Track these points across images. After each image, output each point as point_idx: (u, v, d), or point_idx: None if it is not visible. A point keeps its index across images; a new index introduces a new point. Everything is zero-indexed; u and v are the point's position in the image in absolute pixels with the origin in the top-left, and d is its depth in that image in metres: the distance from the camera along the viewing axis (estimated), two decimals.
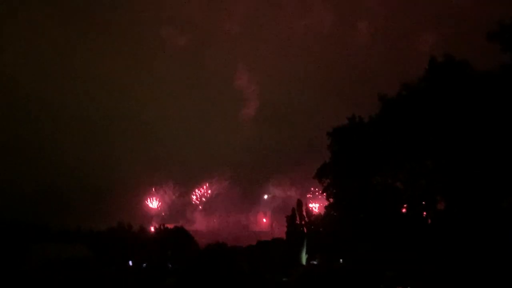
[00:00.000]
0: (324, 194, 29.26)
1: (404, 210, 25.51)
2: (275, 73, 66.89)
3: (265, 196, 61.34)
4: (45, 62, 61.88)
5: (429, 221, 24.72)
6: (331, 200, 27.71)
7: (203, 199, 63.43)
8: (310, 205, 40.85)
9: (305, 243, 37.55)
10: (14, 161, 55.09)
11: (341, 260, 31.40)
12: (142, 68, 67.19)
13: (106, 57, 62.75)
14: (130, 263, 36.23)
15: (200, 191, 63.69)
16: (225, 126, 68.74)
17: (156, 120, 67.54)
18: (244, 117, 68.59)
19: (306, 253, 37.37)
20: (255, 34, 71.93)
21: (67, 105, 62.70)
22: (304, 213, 39.82)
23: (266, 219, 58.84)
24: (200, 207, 63.21)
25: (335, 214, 27.85)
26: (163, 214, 62.21)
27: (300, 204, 40.23)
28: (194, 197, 63.56)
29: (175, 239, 41.53)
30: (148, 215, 60.29)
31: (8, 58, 59.67)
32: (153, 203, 63.02)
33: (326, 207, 30.75)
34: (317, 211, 42.28)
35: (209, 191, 63.50)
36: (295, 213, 39.25)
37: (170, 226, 46.92)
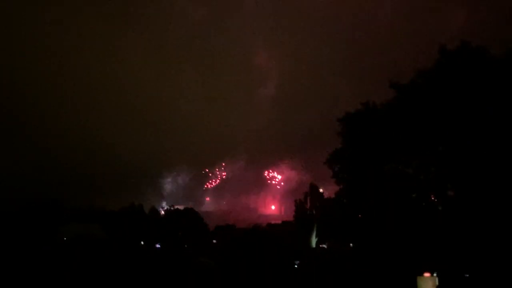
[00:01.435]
0: (335, 179, 29.09)
1: (414, 197, 25.36)
2: (295, 51, 64.05)
3: (276, 179, 60.74)
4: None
5: (440, 208, 24.14)
6: (342, 185, 27.56)
7: (215, 181, 63.17)
8: (321, 190, 40.35)
9: (315, 227, 37.45)
10: (34, 143, 54.86)
11: (351, 244, 31.24)
12: (155, 45, 64.98)
13: (120, 35, 61.00)
14: (142, 243, 36.33)
15: (212, 174, 63.32)
16: (241, 106, 66.32)
17: (170, 100, 65.66)
18: (261, 97, 66.12)
19: (316, 236, 37.28)
20: (275, 9, 67.96)
21: (83, 84, 61.65)
22: (315, 198, 39.62)
23: (275, 203, 58.74)
24: (211, 189, 63.12)
25: (345, 199, 27.72)
26: (174, 195, 62.15)
27: (313, 188, 39.97)
28: (206, 179, 63.30)
29: (185, 220, 41.70)
30: (160, 197, 60.34)
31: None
32: (166, 185, 62.90)
33: (336, 192, 30.43)
34: (328, 195, 41.93)
35: (222, 174, 63.12)
36: (306, 197, 39.05)
37: (180, 207, 47.01)
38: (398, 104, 22.94)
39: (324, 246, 35.43)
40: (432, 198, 24.88)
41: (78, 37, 63.40)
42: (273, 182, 60.91)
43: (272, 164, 61.36)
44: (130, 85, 62.89)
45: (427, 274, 12.10)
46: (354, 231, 26.89)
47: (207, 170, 64.12)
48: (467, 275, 17.34)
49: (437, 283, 11.97)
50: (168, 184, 63.48)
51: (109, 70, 61.92)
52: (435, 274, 11.88)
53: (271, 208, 57.97)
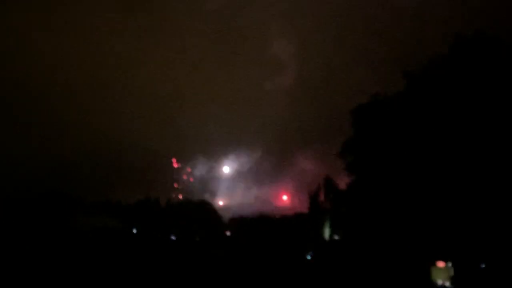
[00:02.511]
0: (347, 171, 28.77)
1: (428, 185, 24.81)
2: (313, 40, 61.37)
3: (290, 171, 59.96)
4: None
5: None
6: (354, 177, 27.41)
7: (229, 173, 62.87)
8: (335, 181, 39.76)
9: (328, 219, 37.10)
10: (45, 132, 55.04)
11: (364, 236, 30.82)
12: (169, 34, 63.41)
13: (131, 24, 60.06)
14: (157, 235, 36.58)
15: (227, 166, 63.00)
16: (257, 96, 64.37)
17: (186, 91, 64.39)
18: (278, 87, 64.18)
19: (329, 227, 37.00)
20: None
21: (97, 75, 61.22)
22: (329, 189, 39.10)
23: (287, 194, 58.16)
24: (226, 181, 62.93)
25: (357, 191, 27.42)
26: (190, 187, 62.09)
27: (327, 180, 39.43)
28: (219, 171, 63.03)
29: (200, 212, 41.77)
30: (176, 189, 60.34)
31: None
32: (182, 177, 62.85)
33: (348, 184, 30.13)
34: (342, 187, 41.48)
35: (236, 166, 62.74)
36: (319, 189, 38.57)
37: (195, 199, 47.12)
38: (410, 93, 22.58)
39: (337, 237, 35.11)
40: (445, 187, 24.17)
41: (89, 28, 62.96)
42: (287, 173, 60.44)
43: (288, 155, 60.56)
44: (145, 76, 62.43)
45: (441, 264, 11.75)
46: (366, 223, 26.59)
47: (222, 164, 63.84)
48: (483, 266, 16.91)
49: (452, 274, 11.61)
50: (185, 176, 63.62)
51: (124, 60, 61.61)
52: (450, 264, 11.53)
53: (283, 200, 57.40)
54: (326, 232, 36.30)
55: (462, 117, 20.40)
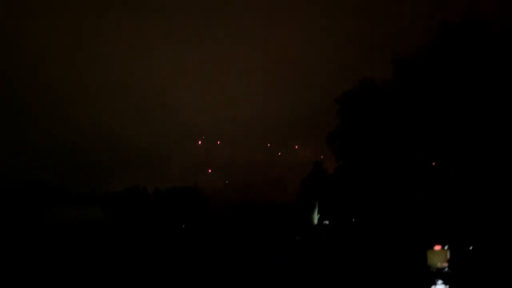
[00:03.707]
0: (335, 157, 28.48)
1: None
2: (298, 29, 60.41)
3: (282, 158, 59.36)
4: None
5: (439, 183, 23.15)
6: (340, 162, 27.51)
7: (219, 160, 62.01)
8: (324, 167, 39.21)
9: (317, 204, 36.66)
10: (31, 121, 53.44)
11: (353, 219, 30.46)
12: (159, 28, 62.01)
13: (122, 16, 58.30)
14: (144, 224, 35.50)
15: (217, 153, 62.15)
16: (251, 86, 63.67)
17: (176, 79, 63.36)
18: (271, 77, 63.25)
19: (318, 213, 36.53)
20: None
21: (84, 62, 59.69)
22: (318, 175, 38.57)
23: (279, 181, 57.67)
24: (215, 168, 62.09)
25: (344, 176, 27.42)
26: (180, 175, 61.02)
27: (316, 166, 38.90)
28: (211, 159, 62.15)
29: (188, 200, 40.87)
30: (165, 176, 59.25)
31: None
32: (172, 165, 61.79)
33: (335, 169, 29.75)
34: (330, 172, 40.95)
35: (225, 153, 61.89)
36: (310, 176, 38.02)
37: (183, 187, 46.11)
38: (398, 80, 22.29)
39: (326, 222, 34.69)
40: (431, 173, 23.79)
41: (83, 20, 61.11)
42: (280, 160, 59.76)
43: (283, 141, 59.82)
44: (134, 66, 61.23)
45: (437, 247, 10.97)
46: (355, 207, 26.19)
47: (214, 149, 62.82)
48: (471, 247, 16.45)
49: (448, 257, 10.83)
50: (174, 164, 62.56)
51: (112, 51, 60.17)
52: (446, 247, 10.82)
53: (276, 187, 56.88)
54: (315, 218, 35.89)
55: (449, 103, 20.08)
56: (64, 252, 20.59)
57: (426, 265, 11.09)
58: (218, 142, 62.37)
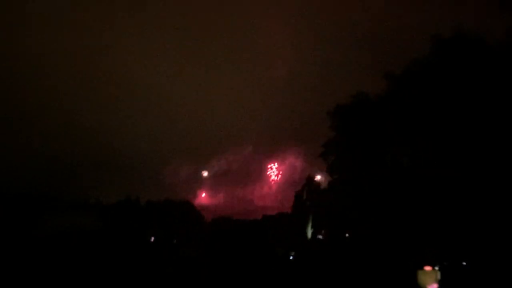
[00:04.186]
0: (329, 172, 28.35)
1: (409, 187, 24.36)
2: (308, 32, 57.77)
3: (276, 170, 58.40)
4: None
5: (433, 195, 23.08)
6: (335, 176, 27.34)
7: (214, 173, 61.08)
8: (317, 178, 39.10)
9: (310, 218, 36.44)
10: (24, 129, 52.34)
11: (346, 234, 30.28)
12: (152, 28, 60.02)
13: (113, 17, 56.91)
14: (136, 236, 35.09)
15: (212, 165, 61.06)
16: (247, 91, 60.77)
17: (169, 87, 60.59)
18: (270, 80, 60.75)
19: (312, 227, 36.30)
20: None
21: (76, 68, 58.25)
22: (312, 189, 38.42)
23: (272, 194, 57.19)
24: (209, 181, 61.38)
25: (339, 189, 27.32)
26: (173, 188, 60.20)
27: (310, 180, 38.79)
28: (204, 171, 61.18)
29: (181, 213, 40.39)
30: (158, 189, 58.43)
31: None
32: (165, 177, 60.76)
33: (330, 183, 29.65)
34: (324, 186, 40.86)
35: (221, 165, 60.88)
36: (303, 189, 37.83)
37: (176, 200, 45.67)
38: (391, 94, 22.42)
39: (320, 237, 34.44)
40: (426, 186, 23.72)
41: (72, 23, 59.93)
42: (273, 173, 59.05)
43: (276, 153, 58.73)
44: (126, 73, 59.61)
45: (428, 268, 10.87)
46: (348, 222, 25.97)
47: (207, 161, 61.60)
48: (464, 263, 16.29)
49: (439, 277, 10.74)
50: (168, 177, 61.54)
51: (103, 58, 58.93)
52: (436, 268, 10.75)
53: (268, 200, 56.37)
54: (309, 232, 35.60)
55: (442, 117, 20.11)
56: (57, 260, 20.27)
57: (416, 285, 11.05)
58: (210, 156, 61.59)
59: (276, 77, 58.81)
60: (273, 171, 57.80)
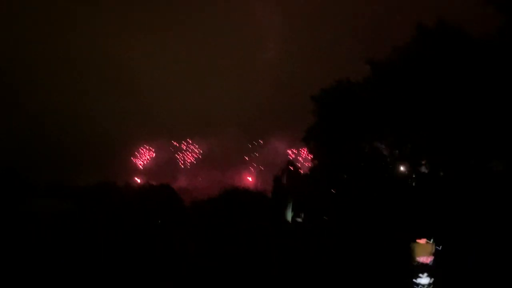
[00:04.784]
0: (311, 156, 28.55)
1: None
2: (299, 12, 56.24)
3: (255, 155, 57.97)
4: None
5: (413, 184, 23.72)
6: (316, 162, 27.70)
7: (194, 156, 59.95)
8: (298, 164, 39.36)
9: (291, 202, 36.64)
10: None
11: (325, 217, 30.67)
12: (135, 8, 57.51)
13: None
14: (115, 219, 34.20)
15: (191, 148, 59.89)
16: (234, 73, 59.06)
17: (150, 67, 58.28)
18: (258, 62, 59.27)
19: (292, 211, 36.59)
20: None
21: (60, 53, 55.69)
22: (292, 173, 38.61)
23: (251, 178, 57.11)
24: (190, 164, 60.33)
25: (319, 175, 27.64)
26: (152, 172, 58.76)
27: (290, 165, 38.99)
28: (186, 154, 59.91)
29: (161, 195, 39.69)
30: (135, 172, 57.12)
31: None
32: (142, 160, 59.25)
33: (310, 168, 29.88)
34: (304, 171, 41.19)
35: (201, 149, 59.70)
36: (283, 173, 37.95)
37: (155, 183, 44.77)
38: (373, 81, 22.72)
39: (300, 220, 34.75)
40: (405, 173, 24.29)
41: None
42: (254, 156, 58.59)
43: (261, 137, 57.89)
44: (106, 51, 56.98)
45: (422, 241, 11.09)
46: (328, 205, 26.26)
47: (186, 145, 60.13)
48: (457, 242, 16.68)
49: (433, 250, 10.98)
50: (148, 160, 59.99)
51: (86, 39, 56.39)
52: (431, 241, 10.93)
53: (247, 181, 56.18)
54: (289, 215, 35.85)
55: (425, 103, 20.42)
56: (34, 243, 19.49)
57: (410, 258, 11.26)
58: (189, 140, 60.33)
59: (264, 60, 58.28)
60: (255, 155, 57.62)
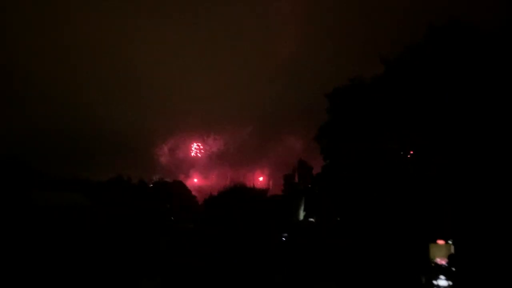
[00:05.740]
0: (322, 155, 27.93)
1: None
2: (317, 6, 54.51)
3: (270, 152, 57.39)
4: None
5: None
6: (328, 161, 27.03)
7: (208, 153, 59.62)
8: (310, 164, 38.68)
9: (302, 201, 36.16)
10: (16, 102, 50.15)
11: (338, 218, 29.99)
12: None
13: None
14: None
15: (207, 146, 59.53)
16: (250, 71, 57.82)
17: (169, 63, 57.87)
18: (275, 57, 58.22)
19: (304, 210, 36.12)
20: None
21: (74, 47, 55.80)
22: (304, 172, 38.13)
23: (263, 177, 56.64)
24: (203, 161, 60.11)
25: (331, 174, 27.19)
26: (169, 168, 58.79)
27: (301, 164, 38.47)
28: (195, 150, 59.75)
29: (174, 192, 39.80)
30: (153, 169, 56.98)
31: None
32: (161, 157, 59.23)
33: (322, 167, 29.27)
34: (318, 171, 40.64)
35: (216, 146, 59.36)
36: (294, 172, 37.48)
37: (169, 180, 44.79)
38: (387, 79, 22.29)
39: (312, 220, 34.18)
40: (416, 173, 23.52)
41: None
42: (267, 154, 57.97)
43: (277, 135, 57.21)
44: (124, 48, 56.94)
45: (441, 241, 10.49)
46: (341, 205, 25.67)
47: (203, 142, 59.81)
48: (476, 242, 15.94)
49: (452, 251, 10.37)
50: (164, 157, 60.06)
51: (102, 36, 56.41)
52: (450, 242, 10.34)
53: (259, 181, 55.70)
54: (301, 215, 35.35)
55: (437, 102, 20.06)
56: (46, 236, 19.43)
57: (427, 259, 10.68)
58: (205, 138, 60.14)
59: (281, 54, 56.95)
60: (266, 153, 57.06)
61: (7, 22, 51.86)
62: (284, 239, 30.95)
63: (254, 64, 58.32)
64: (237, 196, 33.41)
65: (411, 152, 23.55)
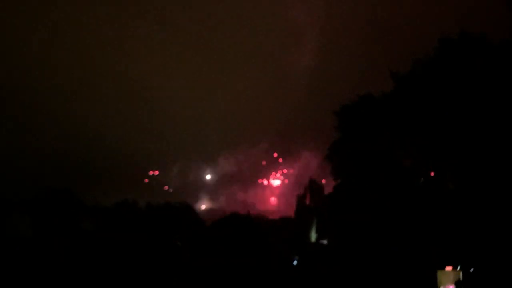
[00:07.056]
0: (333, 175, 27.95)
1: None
2: (335, 19, 53.47)
3: (280, 174, 56.99)
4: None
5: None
6: (339, 180, 26.90)
7: (221, 173, 59.55)
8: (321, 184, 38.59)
9: (314, 222, 35.95)
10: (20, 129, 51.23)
11: (350, 239, 29.70)
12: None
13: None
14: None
15: (220, 165, 59.51)
16: (265, 83, 56.77)
17: (178, 78, 56.92)
18: (292, 70, 57.43)
19: (316, 232, 35.86)
20: None
21: (79, 71, 56.81)
22: (316, 192, 38.02)
23: (274, 198, 56.35)
24: (214, 183, 60.07)
25: (343, 193, 26.77)
26: (179, 190, 58.76)
27: (312, 183, 38.41)
28: (203, 173, 60.01)
29: (182, 217, 39.75)
30: (160, 192, 57.23)
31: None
32: (172, 179, 59.41)
33: (334, 187, 29.09)
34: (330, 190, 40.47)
35: (230, 165, 59.26)
36: (306, 193, 37.39)
37: (176, 203, 44.83)
38: (397, 94, 22.36)
39: (324, 242, 33.93)
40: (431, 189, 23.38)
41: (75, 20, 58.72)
42: (281, 175, 57.44)
43: (290, 155, 56.70)
44: (128, 70, 57.23)
45: (449, 268, 10.39)
46: (354, 226, 25.45)
47: (211, 164, 59.79)
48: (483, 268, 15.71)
49: (460, 278, 10.26)
50: (174, 180, 60.15)
51: (104, 57, 57.23)
52: (458, 268, 10.22)
53: (269, 203, 55.38)
54: (313, 237, 35.08)
55: (449, 117, 20.13)
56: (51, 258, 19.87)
57: (434, 286, 10.55)
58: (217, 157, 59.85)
59: (297, 68, 56.09)
60: (280, 174, 56.42)
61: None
62: (295, 262, 30.72)
63: (268, 80, 57.96)
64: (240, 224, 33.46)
65: (425, 171, 23.43)
